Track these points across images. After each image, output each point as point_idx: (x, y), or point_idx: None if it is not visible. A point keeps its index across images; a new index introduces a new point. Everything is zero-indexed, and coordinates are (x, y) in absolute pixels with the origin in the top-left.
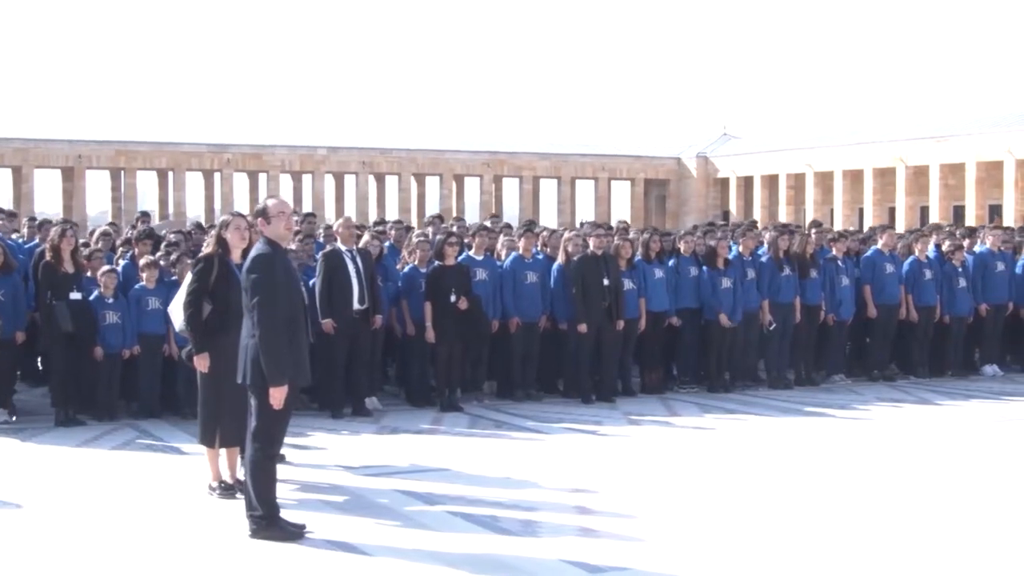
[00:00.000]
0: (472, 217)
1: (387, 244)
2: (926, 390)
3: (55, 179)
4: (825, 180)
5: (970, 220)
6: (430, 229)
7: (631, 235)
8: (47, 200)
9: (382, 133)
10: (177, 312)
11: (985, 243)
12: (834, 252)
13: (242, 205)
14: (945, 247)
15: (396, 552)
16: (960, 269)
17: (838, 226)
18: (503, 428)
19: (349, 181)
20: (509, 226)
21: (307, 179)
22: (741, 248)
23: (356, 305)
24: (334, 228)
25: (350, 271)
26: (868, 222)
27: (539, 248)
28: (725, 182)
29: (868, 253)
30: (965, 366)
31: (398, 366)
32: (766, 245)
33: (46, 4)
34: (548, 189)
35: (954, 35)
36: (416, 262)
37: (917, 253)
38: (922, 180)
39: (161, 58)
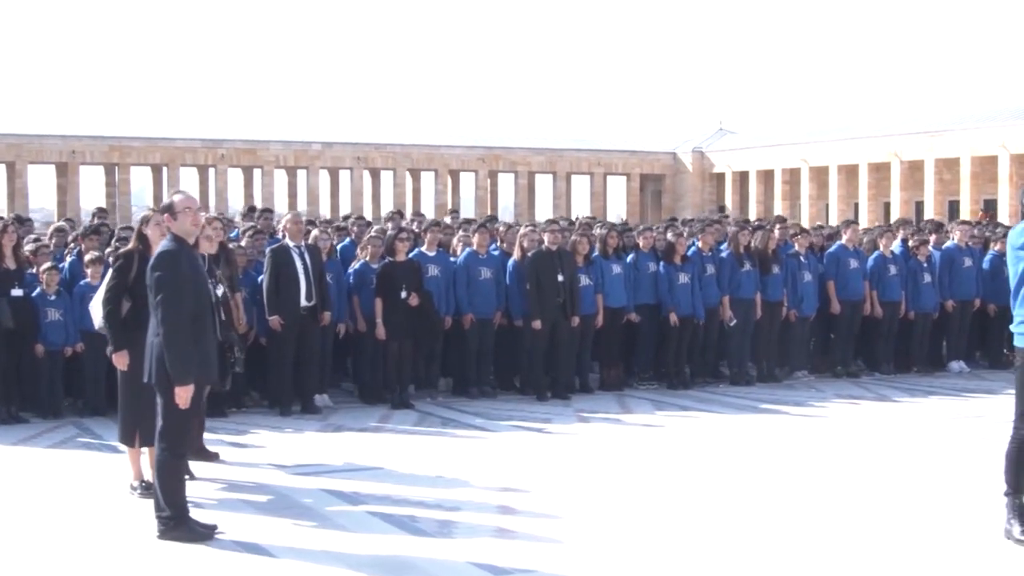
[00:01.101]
0: (468, 212)
1: (346, 240)
2: (888, 387)
3: (49, 175)
4: (820, 175)
5: (964, 215)
6: (389, 225)
7: (595, 230)
8: (41, 196)
9: (376, 128)
10: (97, 309)
11: (952, 238)
12: (797, 247)
13: (237, 200)
14: (911, 242)
15: (302, 554)
16: (925, 264)
17: (833, 222)
18: (449, 426)
19: (344, 176)
20: (469, 222)
21: (302, 174)
22: (701, 244)
23: (304, 302)
24: (282, 223)
25: (297, 267)
26: (863, 217)
27: (498, 244)
28: (721, 177)
29: (832, 248)
30: (932, 362)
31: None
32: (727, 240)
33: (40, 1)
34: (543, 184)
35: (948, 30)
36: (368, 258)
37: (882, 248)
38: (917, 175)
39: (155, 53)
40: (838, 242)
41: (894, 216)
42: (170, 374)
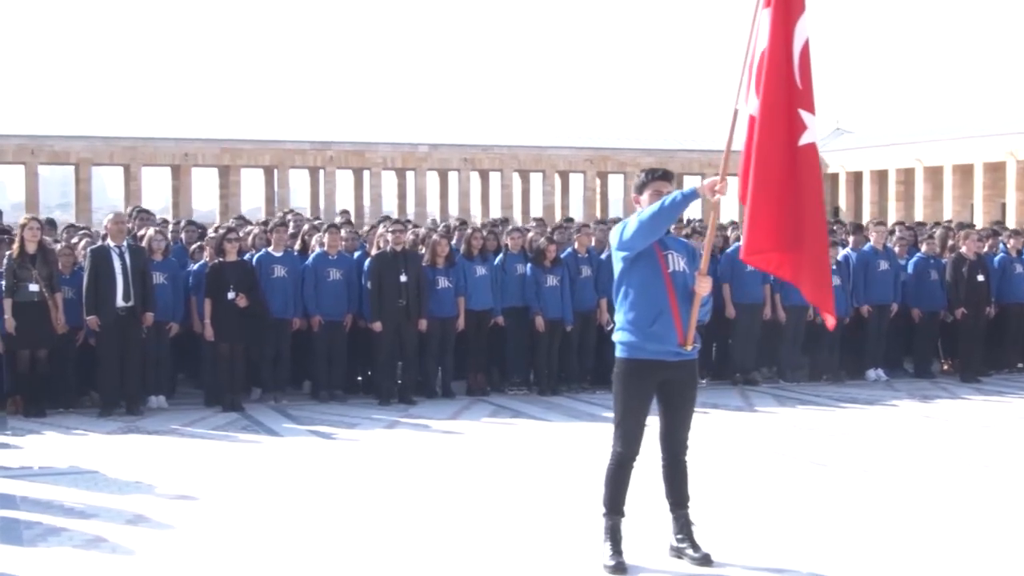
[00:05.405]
0: (576, 214)
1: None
2: (773, 396)
3: (165, 177)
4: (935, 175)
5: None
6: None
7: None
8: (156, 197)
9: (484, 130)
10: None
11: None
12: None
13: (346, 201)
14: None
15: None
16: (835, 267)
17: None
18: (247, 431)
19: (452, 178)
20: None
21: (410, 176)
22: (577, 245)
23: (120, 302)
24: (104, 224)
25: (115, 268)
26: (979, 218)
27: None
28: (835, 178)
29: (728, 250)
30: (850, 370)
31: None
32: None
33: (154, 9)
34: None
35: None
36: (207, 258)
37: None
38: None
39: (267, 57)
40: (736, 243)
41: (1009, 218)
42: None
